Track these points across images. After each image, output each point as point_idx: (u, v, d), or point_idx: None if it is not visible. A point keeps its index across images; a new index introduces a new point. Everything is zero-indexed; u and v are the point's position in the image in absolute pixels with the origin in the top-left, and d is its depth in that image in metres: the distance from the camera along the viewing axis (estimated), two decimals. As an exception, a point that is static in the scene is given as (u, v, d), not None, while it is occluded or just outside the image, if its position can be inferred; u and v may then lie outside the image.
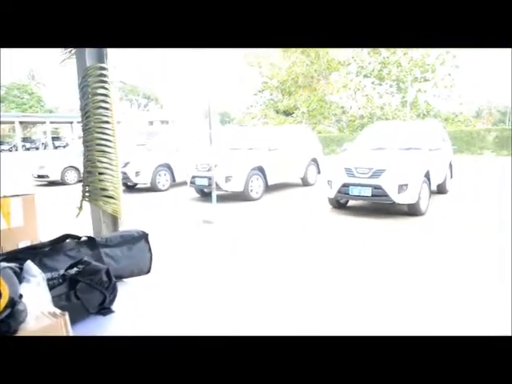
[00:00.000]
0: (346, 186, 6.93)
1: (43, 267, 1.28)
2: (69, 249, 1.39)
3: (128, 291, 1.42)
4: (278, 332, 2.88)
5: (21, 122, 35.16)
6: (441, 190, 8.74)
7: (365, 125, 19.49)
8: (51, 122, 36.39)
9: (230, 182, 8.73)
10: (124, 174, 10.53)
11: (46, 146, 36.08)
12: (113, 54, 2.17)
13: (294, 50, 26.56)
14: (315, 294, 3.73)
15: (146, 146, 12.23)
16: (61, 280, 1.20)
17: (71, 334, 0.86)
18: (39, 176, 13.61)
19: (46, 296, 0.92)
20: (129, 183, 11.20)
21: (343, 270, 4.35)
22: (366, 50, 24.82)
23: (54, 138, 38.04)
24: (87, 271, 1.18)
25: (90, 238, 1.46)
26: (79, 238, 1.44)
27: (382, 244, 5.29)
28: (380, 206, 7.49)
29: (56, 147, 34.39)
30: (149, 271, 1.65)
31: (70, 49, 2.19)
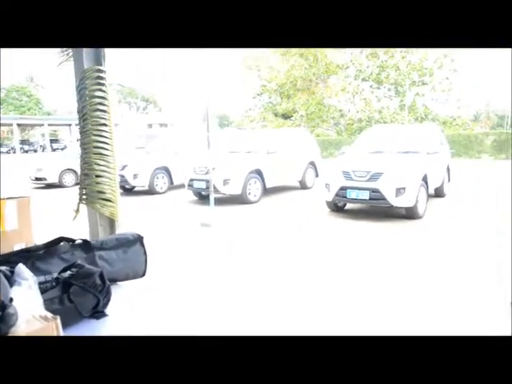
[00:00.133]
0: (343, 189, 6.93)
1: (36, 270, 1.27)
2: (63, 252, 1.38)
3: (122, 294, 1.41)
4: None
5: (19, 125, 35.16)
6: (438, 193, 8.75)
7: (363, 128, 19.54)
8: (49, 125, 36.41)
9: (228, 184, 8.73)
10: (122, 176, 10.51)
11: (44, 148, 36.06)
12: (111, 56, 2.17)
13: (292, 53, 26.63)
14: (313, 297, 3.72)
15: (144, 148, 12.22)
16: (54, 283, 1.19)
17: (63, 337, 0.85)
18: (37, 178, 13.58)
19: (37, 299, 0.92)
20: (127, 186, 11.18)
21: (341, 273, 4.34)
22: (364, 54, 24.91)
23: (52, 141, 38.00)
24: (81, 274, 1.17)
25: (84, 240, 1.45)
26: (73, 240, 1.43)
27: (379, 247, 5.28)
28: (378, 210, 7.50)
29: (54, 149, 34.38)
30: (144, 274, 1.64)
31: (67, 51, 2.19)
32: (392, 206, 6.63)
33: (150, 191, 11.01)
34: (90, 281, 1.16)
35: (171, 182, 11.44)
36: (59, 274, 1.20)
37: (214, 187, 7.94)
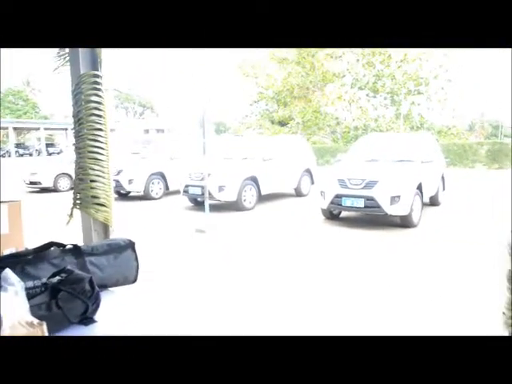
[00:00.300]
0: (338, 196, 6.95)
1: (26, 275, 1.25)
2: (53, 257, 1.36)
3: (112, 300, 1.40)
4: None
5: (15, 128, 35.04)
6: (433, 202, 8.79)
7: (359, 136, 19.61)
8: (45, 129, 36.32)
9: (223, 191, 8.72)
10: (117, 181, 10.49)
11: (39, 152, 35.93)
12: (107, 61, 2.17)
13: (289, 60, 26.79)
14: (307, 304, 3.71)
15: (139, 154, 12.21)
16: (42, 289, 1.18)
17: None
18: (31, 182, 13.52)
19: (23, 305, 0.90)
20: (122, 191, 11.15)
21: (334, 281, 4.33)
22: (360, 63, 25.09)
23: (48, 145, 37.91)
24: (70, 280, 1.15)
25: (75, 246, 1.44)
26: (64, 245, 1.42)
27: (374, 255, 5.28)
28: (373, 218, 7.51)
29: (50, 154, 34.27)
30: (135, 281, 1.62)
31: (64, 55, 2.20)
32: (387, 214, 6.64)
33: (146, 197, 10.98)
34: (79, 287, 1.15)
35: (167, 188, 11.42)
36: (48, 279, 1.19)
37: (210, 193, 7.93)
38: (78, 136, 2.08)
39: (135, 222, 7.61)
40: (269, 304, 3.75)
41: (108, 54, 2.14)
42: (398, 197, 6.52)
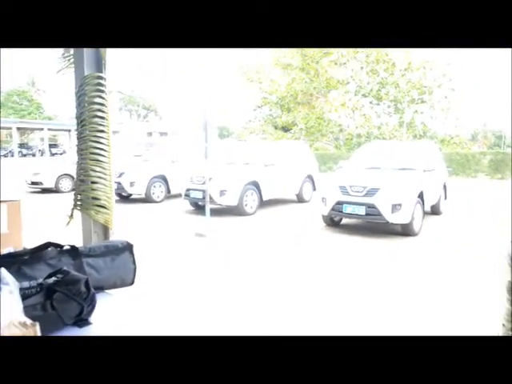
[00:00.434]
0: (340, 203, 6.94)
1: (22, 275, 1.25)
2: (50, 257, 1.35)
3: (108, 303, 1.39)
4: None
5: (18, 128, 35.14)
6: (435, 211, 8.77)
7: (362, 143, 19.64)
8: (49, 129, 36.40)
9: (225, 195, 8.72)
10: (119, 184, 10.51)
11: (42, 152, 36.01)
12: (111, 63, 2.18)
13: (293, 66, 26.88)
14: (306, 310, 3.69)
15: (142, 156, 12.23)
16: (38, 289, 1.17)
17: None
18: (33, 183, 13.54)
19: (17, 305, 0.90)
20: (123, 193, 11.17)
21: (334, 288, 4.31)
22: (364, 70, 25.16)
23: (51, 145, 37.99)
24: (65, 281, 1.15)
25: (72, 247, 1.43)
26: (61, 246, 1.41)
27: (374, 263, 5.26)
28: (373, 225, 7.49)
29: (53, 154, 34.35)
30: (132, 283, 1.61)
31: (68, 57, 2.21)
32: (388, 222, 6.62)
33: (147, 199, 10.99)
34: (75, 288, 1.14)
35: (168, 191, 11.43)
36: (44, 279, 1.18)
37: (211, 198, 7.93)
38: (81, 137, 2.08)
39: (136, 224, 7.61)
40: (268, 309, 3.73)
41: (112, 56, 2.15)
42: (400, 205, 6.50)
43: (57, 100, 49.44)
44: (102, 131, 2.06)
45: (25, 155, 36.84)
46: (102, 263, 1.48)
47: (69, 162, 13.53)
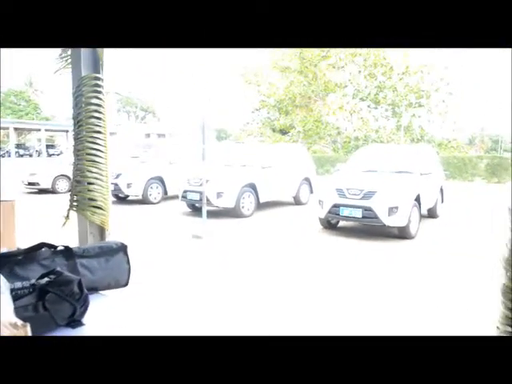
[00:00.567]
0: (336, 206, 6.94)
1: (15, 276, 1.24)
2: (43, 258, 1.34)
3: (101, 304, 1.38)
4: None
5: (15, 129, 35.06)
6: (431, 214, 8.78)
7: (359, 147, 19.69)
8: (46, 130, 36.33)
9: (222, 197, 8.71)
10: (116, 185, 10.49)
11: (39, 153, 35.93)
12: (109, 64, 2.17)
13: (292, 69, 26.93)
14: (303, 312, 3.69)
15: (139, 158, 12.21)
16: (31, 290, 1.16)
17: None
18: (30, 183, 13.49)
19: (8, 306, 0.89)
20: (120, 195, 11.14)
21: (331, 290, 4.31)
22: (362, 74, 25.23)
23: (48, 146, 37.92)
24: (58, 282, 1.14)
25: (66, 247, 1.42)
26: (55, 247, 1.40)
27: (370, 266, 5.26)
28: (370, 228, 7.50)
29: (50, 155, 34.28)
30: (126, 284, 1.60)
31: (66, 58, 2.20)
32: (384, 224, 6.63)
33: (144, 201, 10.96)
34: (68, 289, 1.13)
35: (165, 193, 11.41)
36: (36, 280, 1.17)
37: (207, 200, 7.92)
38: (77, 138, 2.07)
39: (132, 225, 7.59)
40: (265, 311, 3.72)
41: (110, 57, 2.15)
42: (396, 208, 6.51)
43: (54, 101, 49.34)
44: (99, 132, 2.06)
45: (22, 156, 36.75)
46: (96, 264, 1.47)
47: (66, 163, 13.48)
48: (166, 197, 11.44)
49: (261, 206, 9.64)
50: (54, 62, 2.23)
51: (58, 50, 2.21)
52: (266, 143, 25.05)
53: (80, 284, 1.18)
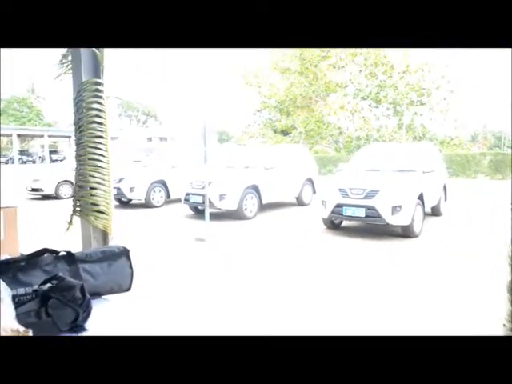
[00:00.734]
0: (339, 206, 6.92)
1: (17, 282, 1.24)
2: (45, 263, 1.34)
3: (104, 309, 1.38)
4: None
5: (19, 135, 35.23)
6: (435, 212, 8.75)
7: (361, 146, 19.66)
8: (49, 136, 36.49)
9: (224, 200, 8.71)
10: (118, 189, 10.51)
11: (43, 159, 36.08)
12: (109, 69, 2.17)
13: (292, 70, 26.93)
14: (307, 313, 3.68)
15: (141, 162, 12.23)
16: (33, 295, 1.17)
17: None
18: (33, 189, 13.55)
19: (9, 312, 0.89)
20: (123, 199, 11.16)
21: (335, 290, 4.30)
22: (363, 73, 25.22)
23: (51, 152, 38.06)
24: (60, 287, 1.14)
25: (68, 252, 1.42)
26: (57, 252, 1.40)
27: (374, 265, 5.24)
28: (374, 228, 7.48)
29: (53, 161, 34.41)
30: (129, 289, 1.60)
31: (66, 63, 2.21)
32: (388, 224, 6.61)
33: (147, 204, 10.98)
34: (70, 294, 1.14)
35: (168, 196, 11.42)
36: (39, 286, 1.17)
37: (210, 202, 7.92)
38: (79, 143, 2.07)
39: (136, 229, 7.60)
40: (269, 313, 3.71)
41: (110, 62, 2.15)
42: (400, 207, 6.49)
43: (56, 106, 49.55)
44: (101, 137, 2.06)
45: (25, 162, 36.89)
46: (99, 269, 1.47)
47: (69, 169, 13.53)
48: (168, 200, 11.46)
49: (263, 207, 9.63)
50: (55, 68, 2.24)
51: (59, 55, 2.22)
52: (267, 144, 25.07)
53: (82, 289, 1.18)
